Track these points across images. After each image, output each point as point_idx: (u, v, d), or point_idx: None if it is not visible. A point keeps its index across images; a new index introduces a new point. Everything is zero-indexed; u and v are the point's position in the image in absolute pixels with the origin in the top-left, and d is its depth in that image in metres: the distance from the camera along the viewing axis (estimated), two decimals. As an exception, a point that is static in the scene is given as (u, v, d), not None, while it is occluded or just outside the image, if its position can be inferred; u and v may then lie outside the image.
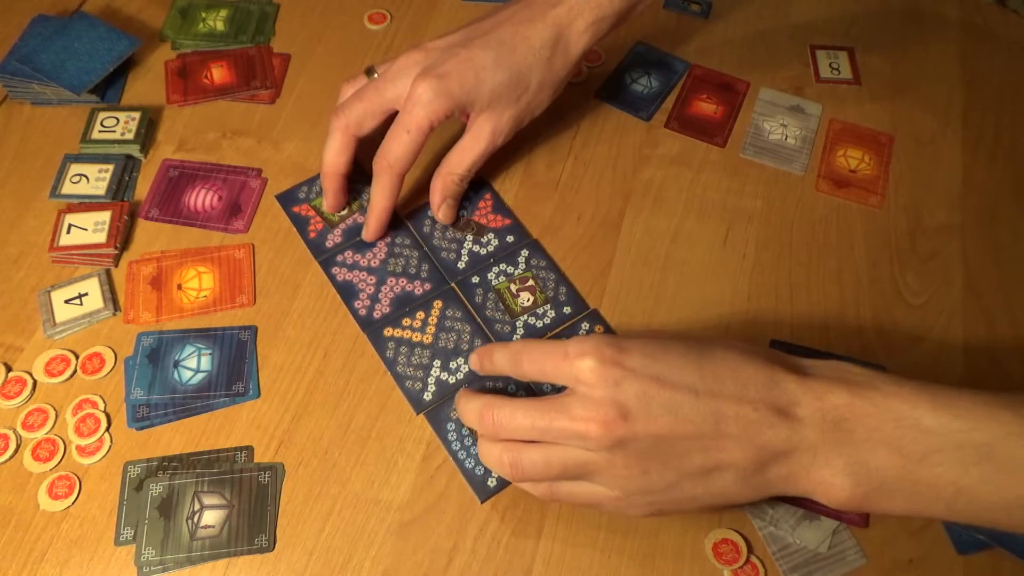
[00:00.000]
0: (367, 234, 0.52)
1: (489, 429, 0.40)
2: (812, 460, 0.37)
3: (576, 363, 0.37)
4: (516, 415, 0.39)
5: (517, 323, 0.50)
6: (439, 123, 0.49)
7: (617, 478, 0.38)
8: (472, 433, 0.46)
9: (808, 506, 0.44)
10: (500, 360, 0.42)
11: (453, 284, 0.52)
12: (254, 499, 0.44)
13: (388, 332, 0.50)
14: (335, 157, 0.51)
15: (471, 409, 0.41)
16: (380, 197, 0.51)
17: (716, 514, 0.44)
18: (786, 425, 0.37)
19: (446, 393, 0.47)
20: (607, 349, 0.37)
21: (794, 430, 0.37)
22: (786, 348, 0.49)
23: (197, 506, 0.43)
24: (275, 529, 0.43)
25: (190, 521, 0.43)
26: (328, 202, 0.53)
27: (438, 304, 0.51)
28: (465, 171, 0.51)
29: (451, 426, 0.46)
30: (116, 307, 0.51)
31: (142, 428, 0.46)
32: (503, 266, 0.52)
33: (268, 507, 0.44)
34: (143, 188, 0.56)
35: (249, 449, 0.46)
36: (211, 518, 0.43)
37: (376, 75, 0.52)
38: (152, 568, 0.42)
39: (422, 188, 0.55)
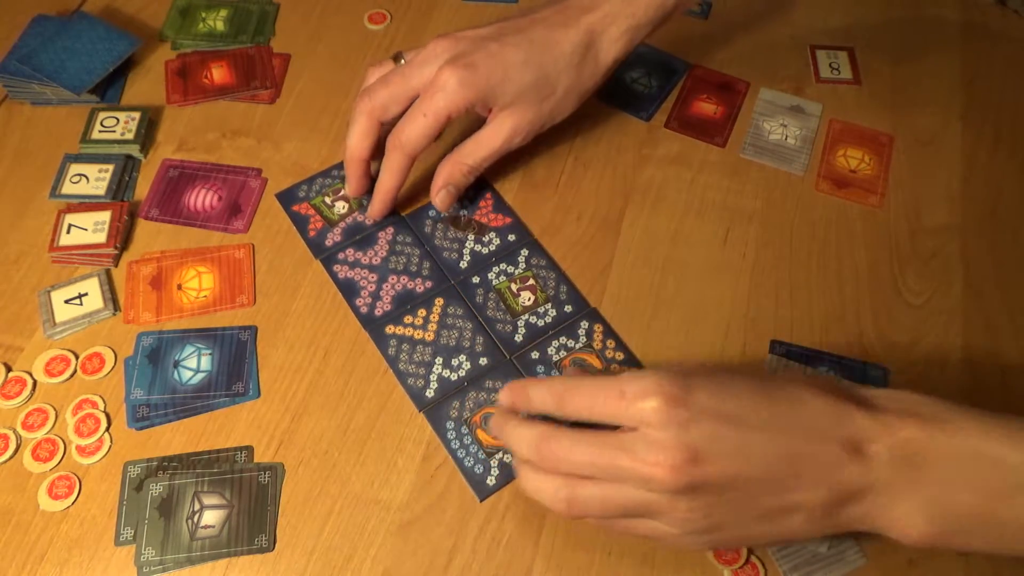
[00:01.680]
0: (371, 211, 0.53)
1: (546, 461, 0.37)
2: (888, 500, 0.35)
3: (638, 404, 0.35)
4: (575, 450, 0.36)
5: (518, 322, 0.50)
6: (458, 113, 0.48)
7: (680, 520, 0.35)
8: (472, 432, 0.46)
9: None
10: (539, 398, 0.38)
11: (454, 283, 0.52)
12: (254, 499, 0.44)
13: (390, 329, 0.50)
14: (359, 141, 0.50)
15: (523, 438, 0.38)
16: (388, 175, 0.50)
17: (716, 514, 0.44)
18: (860, 464, 0.35)
19: (448, 390, 0.47)
20: (671, 387, 0.35)
21: (869, 468, 0.35)
22: (786, 348, 0.49)
23: (197, 506, 0.43)
24: (275, 529, 0.43)
25: (190, 521, 0.43)
26: (351, 187, 0.53)
27: (439, 301, 0.51)
28: (476, 162, 0.51)
29: (451, 425, 0.46)
30: (116, 307, 0.51)
31: (142, 428, 0.46)
32: (504, 265, 0.52)
33: (268, 507, 0.44)
34: (143, 188, 0.56)
35: (249, 449, 0.46)
36: (211, 518, 0.43)
37: (404, 61, 0.51)
38: (152, 568, 0.42)
39: (424, 187, 0.55)
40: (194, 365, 0.48)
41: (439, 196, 0.52)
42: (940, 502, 0.35)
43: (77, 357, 0.49)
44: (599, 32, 0.49)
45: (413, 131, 0.48)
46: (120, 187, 0.55)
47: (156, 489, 0.44)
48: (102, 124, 0.58)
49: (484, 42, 0.48)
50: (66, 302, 0.50)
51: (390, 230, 0.54)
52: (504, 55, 0.48)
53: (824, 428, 0.35)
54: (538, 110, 0.50)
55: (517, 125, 0.50)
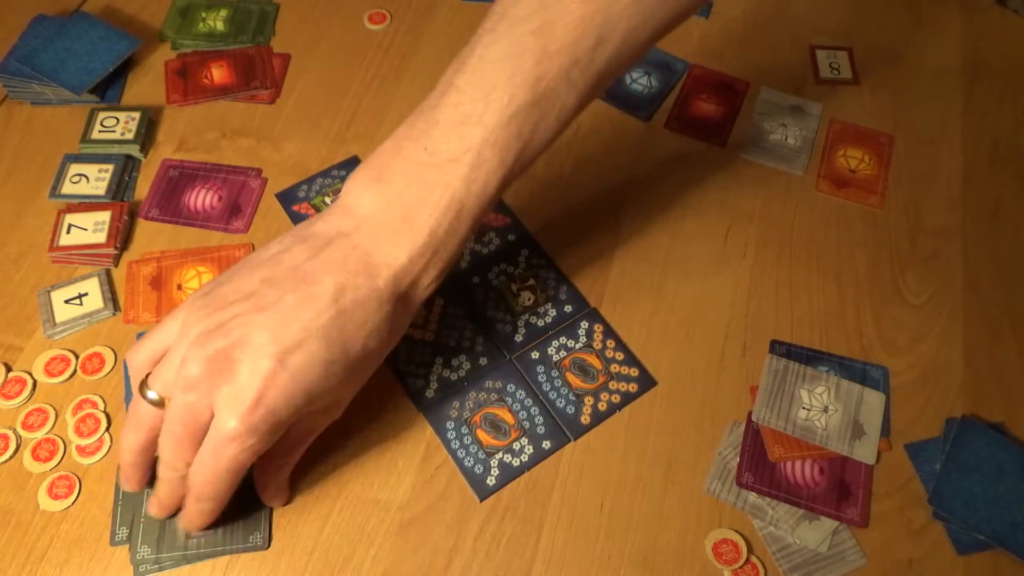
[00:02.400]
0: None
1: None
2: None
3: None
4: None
5: (518, 322, 0.50)
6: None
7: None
8: (472, 432, 0.46)
9: (808, 506, 0.44)
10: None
11: (454, 282, 0.52)
12: (248, 497, 0.44)
13: (388, 332, 0.50)
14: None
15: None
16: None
17: (716, 514, 0.44)
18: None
19: (448, 390, 0.47)
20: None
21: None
22: (786, 348, 0.49)
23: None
24: (270, 527, 0.43)
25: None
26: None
27: (439, 301, 0.51)
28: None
29: (451, 425, 0.46)
30: (116, 307, 0.51)
31: (142, 428, 0.46)
32: (503, 265, 0.52)
33: (264, 505, 0.44)
34: (143, 188, 0.56)
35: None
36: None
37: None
38: (148, 567, 0.42)
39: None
40: (194, 365, 0.48)
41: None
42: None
43: (77, 357, 0.49)
44: (403, 282, 0.38)
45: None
46: (120, 187, 0.55)
47: (149, 488, 0.44)
48: (102, 124, 0.58)
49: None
50: (66, 302, 0.50)
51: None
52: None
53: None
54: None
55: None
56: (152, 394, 0.37)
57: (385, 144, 0.39)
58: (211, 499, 0.38)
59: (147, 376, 0.38)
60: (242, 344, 0.36)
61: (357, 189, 0.39)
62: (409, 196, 0.38)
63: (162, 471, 0.39)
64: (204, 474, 0.37)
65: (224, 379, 0.35)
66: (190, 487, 0.38)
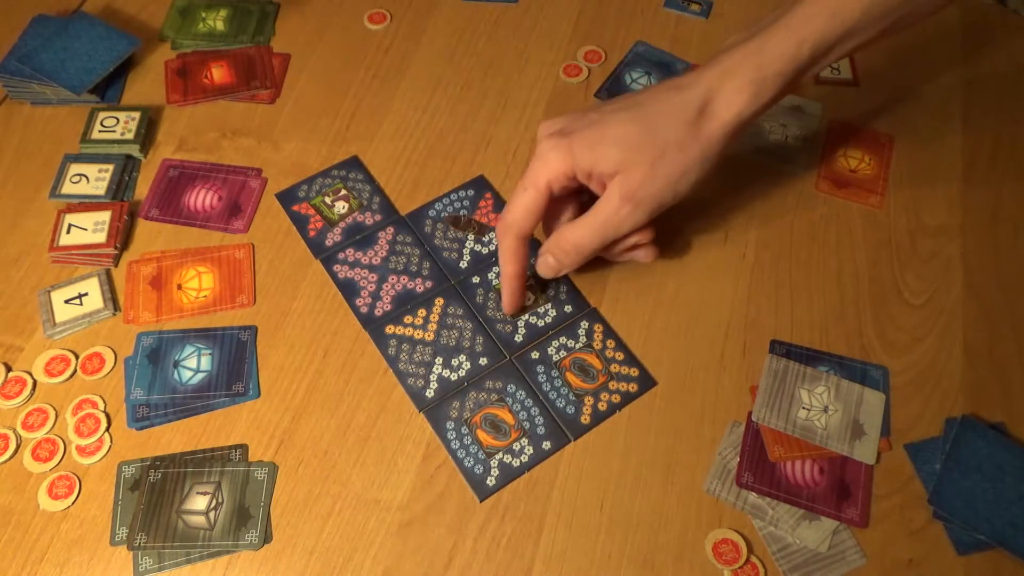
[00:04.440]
0: (504, 305, 0.49)
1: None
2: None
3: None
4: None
5: (518, 322, 0.50)
6: (559, 183, 0.45)
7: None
8: (472, 432, 0.46)
9: (808, 506, 0.44)
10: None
11: (454, 283, 0.52)
12: (245, 496, 0.44)
13: (390, 329, 0.50)
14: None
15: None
16: (504, 263, 0.47)
17: (716, 514, 0.44)
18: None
19: (448, 390, 0.47)
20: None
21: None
22: (786, 348, 0.49)
23: (189, 503, 0.43)
24: (267, 526, 0.43)
25: (182, 518, 0.43)
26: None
27: (439, 301, 0.51)
28: (577, 239, 0.46)
29: (451, 425, 0.46)
30: (116, 307, 0.51)
31: (142, 428, 0.46)
32: (503, 266, 0.52)
33: (261, 504, 0.44)
34: (143, 188, 0.56)
35: (243, 447, 0.46)
36: (201, 515, 0.43)
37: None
38: (147, 567, 0.42)
39: (424, 187, 0.56)
40: (194, 365, 0.48)
41: (538, 261, 0.49)
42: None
43: (77, 357, 0.49)
44: (716, 88, 0.44)
45: (515, 208, 0.45)
46: (120, 187, 0.55)
47: (148, 487, 0.44)
48: (102, 124, 0.58)
49: (586, 114, 0.46)
50: (66, 302, 0.50)
51: (390, 230, 0.54)
52: (604, 119, 0.45)
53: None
54: (649, 172, 0.44)
55: (625, 192, 0.44)
56: None
57: None
58: None
59: None
60: None
61: None
62: None
63: None
64: None
65: None
66: None
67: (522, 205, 0.45)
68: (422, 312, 0.50)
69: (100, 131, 0.58)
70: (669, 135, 0.44)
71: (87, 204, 0.54)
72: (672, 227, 0.55)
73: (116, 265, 0.53)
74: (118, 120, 0.58)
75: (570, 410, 0.47)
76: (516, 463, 0.45)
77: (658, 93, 0.46)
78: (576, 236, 0.46)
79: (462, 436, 0.46)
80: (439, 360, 0.49)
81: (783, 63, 0.44)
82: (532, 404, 0.47)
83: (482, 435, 0.46)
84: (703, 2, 0.67)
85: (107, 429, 0.46)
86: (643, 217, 0.46)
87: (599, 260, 0.52)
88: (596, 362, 0.49)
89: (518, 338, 0.49)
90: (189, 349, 0.49)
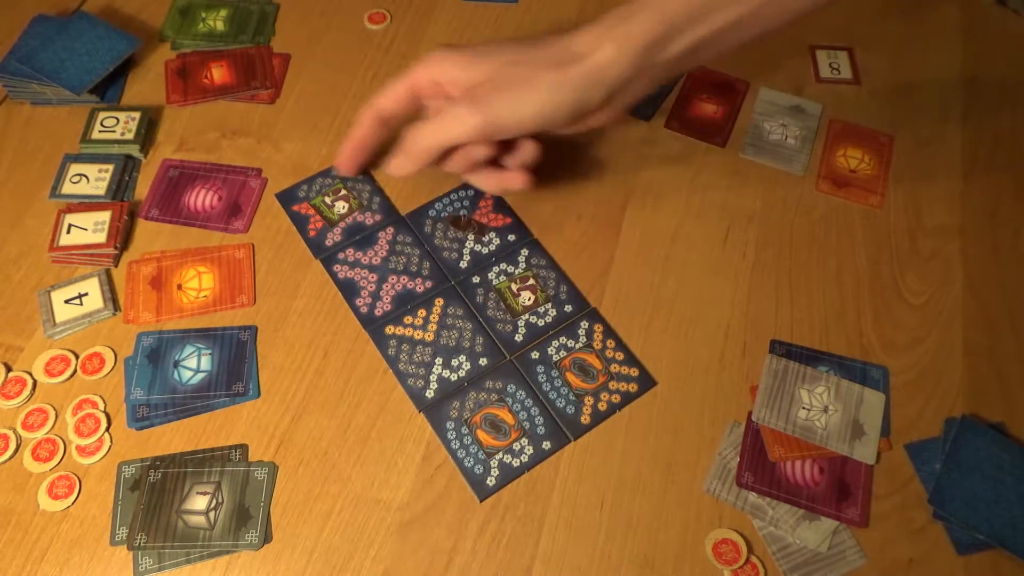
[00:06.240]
0: (336, 162, 0.55)
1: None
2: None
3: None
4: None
5: (518, 322, 0.50)
6: (420, 86, 0.49)
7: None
8: (472, 432, 0.46)
9: (808, 506, 0.44)
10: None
11: (454, 283, 0.52)
12: (245, 496, 0.44)
13: (390, 330, 0.50)
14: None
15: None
16: (353, 129, 0.52)
17: (716, 514, 0.44)
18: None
19: (448, 390, 0.47)
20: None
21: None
22: (786, 348, 0.49)
23: (189, 503, 0.43)
24: (267, 526, 0.43)
25: (182, 518, 0.43)
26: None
27: (439, 302, 0.51)
28: (413, 140, 0.48)
29: (451, 425, 0.46)
30: (116, 307, 0.51)
31: (142, 428, 0.46)
32: (504, 265, 0.52)
33: (261, 504, 0.44)
34: (143, 188, 0.56)
35: (243, 447, 0.46)
36: (201, 515, 0.43)
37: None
38: (147, 567, 0.42)
39: (424, 187, 0.55)
40: (194, 365, 0.48)
41: (390, 162, 0.51)
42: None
43: (77, 357, 0.49)
44: (593, 43, 0.45)
45: (385, 91, 0.50)
46: (120, 187, 0.55)
47: (148, 487, 0.44)
48: (102, 124, 0.58)
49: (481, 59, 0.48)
50: (66, 302, 0.50)
51: (390, 230, 0.54)
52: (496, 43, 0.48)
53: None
54: (497, 81, 0.46)
55: (469, 89, 0.47)
56: None
57: None
58: None
59: None
60: None
61: None
62: None
63: None
64: None
65: None
66: None
67: (387, 91, 0.50)
68: (422, 312, 0.50)
69: (100, 131, 0.58)
70: (534, 66, 0.46)
71: (87, 204, 0.54)
72: (672, 227, 0.55)
73: (116, 265, 0.53)
74: (118, 120, 0.58)
75: (570, 410, 0.47)
76: (516, 463, 0.45)
77: (549, 39, 0.47)
78: (417, 131, 0.48)
79: (462, 436, 0.46)
80: (439, 360, 0.49)
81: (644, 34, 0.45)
82: (532, 404, 0.47)
83: (482, 435, 0.46)
84: (703, 2, 0.67)
85: (107, 429, 0.46)
86: (478, 122, 0.45)
87: (598, 253, 0.52)
88: (596, 362, 0.49)
89: (518, 338, 0.49)
90: (189, 349, 0.49)
